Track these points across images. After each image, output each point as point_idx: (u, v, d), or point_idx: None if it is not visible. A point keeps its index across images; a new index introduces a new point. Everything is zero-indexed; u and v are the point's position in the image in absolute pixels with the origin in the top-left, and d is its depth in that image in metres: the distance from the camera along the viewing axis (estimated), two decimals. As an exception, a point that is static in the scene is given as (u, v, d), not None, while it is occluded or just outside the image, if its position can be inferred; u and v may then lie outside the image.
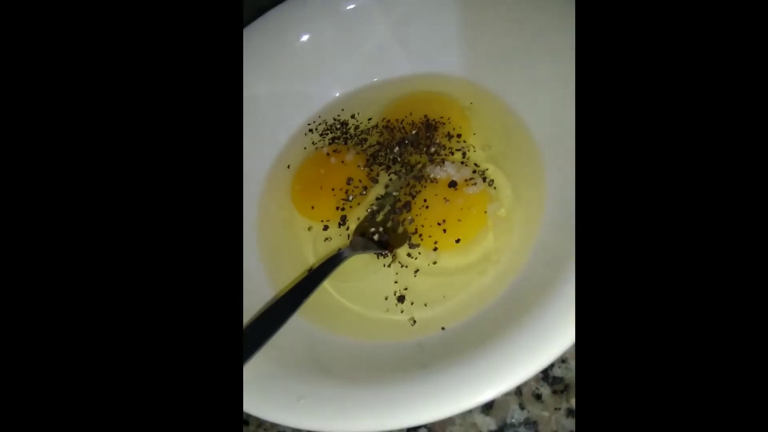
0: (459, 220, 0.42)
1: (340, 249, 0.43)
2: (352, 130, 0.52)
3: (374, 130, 0.51)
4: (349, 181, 0.47)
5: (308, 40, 0.52)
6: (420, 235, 0.43)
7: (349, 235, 0.45)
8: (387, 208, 0.46)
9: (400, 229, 0.44)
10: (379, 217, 0.46)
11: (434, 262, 0.42)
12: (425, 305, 0.40)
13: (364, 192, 0.47)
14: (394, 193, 0.46)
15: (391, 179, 0.47)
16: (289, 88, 0.51)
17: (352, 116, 0.53)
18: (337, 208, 0.47)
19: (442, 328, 0.38)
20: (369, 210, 0.46)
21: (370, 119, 0.52)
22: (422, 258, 0.42)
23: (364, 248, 0.43)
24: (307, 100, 0.53)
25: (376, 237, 0.44)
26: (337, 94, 0.54)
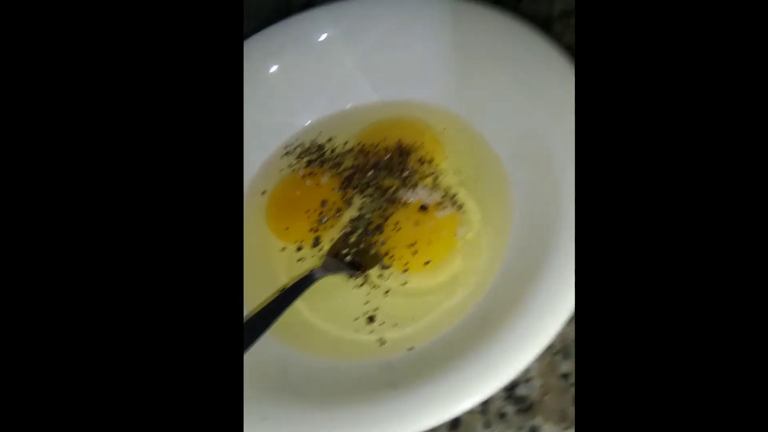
0: (429, 243, 0.43)
1: (312, 270, 0.43)
2: (328, 153, 0.53)
3: (349, 154, 0.52)
4: (323, 203, 0.48)
5: (278, 70, 0.53)
6: (391, 257, 0.44)
7: (322, 257, 0.46)
8: (360, 230, 0.47)
9: (373, 251, 0.45)
10: (352, 239, 0.47)
11: (405, 283, 0.43)
12: (395, 325, 0.41)
13: (338, 214, 0.48)
14: (367, 216, 0.47)
15: (364, 202, 0.48)
16: (261, 117, 0.52)
17: (329, 140, 0.54)
18: (311, 230, 0.47)
19: (410, 348, 0.39)
20: (342, 232, 0.47)
21: (345, 143, 0.53)
22: (393, 279, 0.43)
23: (337, 269, 0.44)
24: (280, 127, 0.54)
25: (348, 258, 0.45)
26: (310, 122, 0.55)
